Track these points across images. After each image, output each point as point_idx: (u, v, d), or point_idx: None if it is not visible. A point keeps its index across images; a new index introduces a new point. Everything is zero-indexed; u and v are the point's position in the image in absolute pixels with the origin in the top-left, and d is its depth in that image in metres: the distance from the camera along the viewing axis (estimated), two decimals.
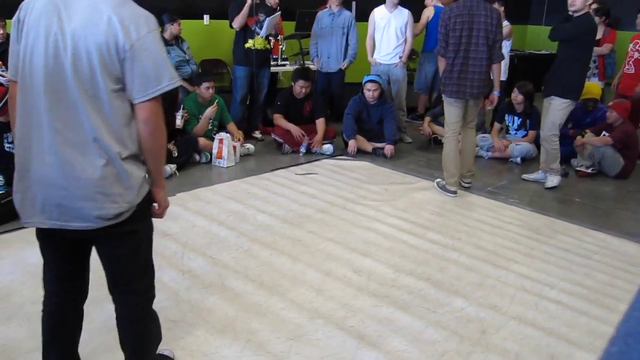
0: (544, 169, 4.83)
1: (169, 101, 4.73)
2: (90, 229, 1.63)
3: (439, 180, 4.64)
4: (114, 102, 1.57)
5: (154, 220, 1.86)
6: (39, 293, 2.70)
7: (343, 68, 6.09)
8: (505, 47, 6.30)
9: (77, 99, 1.55)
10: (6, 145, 3.76)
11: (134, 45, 1.53)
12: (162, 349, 2.17)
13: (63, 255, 1.80)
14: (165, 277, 2.90)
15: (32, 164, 1.62)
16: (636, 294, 0.51)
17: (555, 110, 4.52)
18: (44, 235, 1.75)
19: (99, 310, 2.60)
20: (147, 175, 1.71)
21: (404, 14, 5.79)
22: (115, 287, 1.85)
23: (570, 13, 4.36)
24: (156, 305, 2.65)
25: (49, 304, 1.89)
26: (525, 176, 4.99)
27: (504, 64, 6.30)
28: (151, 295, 1.92)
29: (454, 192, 4.45)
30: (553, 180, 4.75)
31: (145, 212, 1.76)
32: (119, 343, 1.96)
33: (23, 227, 3.38)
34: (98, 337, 2.39)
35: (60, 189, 1.59)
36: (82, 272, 1.88)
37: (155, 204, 1.79)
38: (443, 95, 4.47)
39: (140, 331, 1.92)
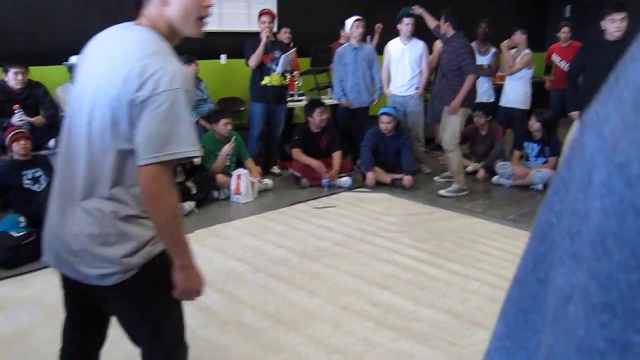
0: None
1: None
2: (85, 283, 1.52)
3: (449, 188, 5.25)
4: (121, 162, 1.44)
5: None
6: (57, 333, 2.72)
7: (375, 102, 6.10)
8: (527, 75, 6.31)
9: (82, 150, 1.47)
10: (25, 182, 3.83)
11: (146, 101, 1.37)
12: None
13: (74, 301, 1.73)
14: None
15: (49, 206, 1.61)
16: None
17: None
18: (61, 277, 1.68)
19: (115, 350, 2.58)
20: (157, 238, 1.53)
21: (419, 45, 5.82)
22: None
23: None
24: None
25: (64, 351, 1.83)
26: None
27: (524, 93, 6.29)
28: None
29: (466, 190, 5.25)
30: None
31: (153, 278, 1.54)
32: None
33: (45, 267, 3.46)
34: None
35: (55, 238, 1.55)
36: (96, 320, 1.77)
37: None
38: (463, 109, 5.09)
39: None
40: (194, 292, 1.57)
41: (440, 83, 5.25)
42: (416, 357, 2.54)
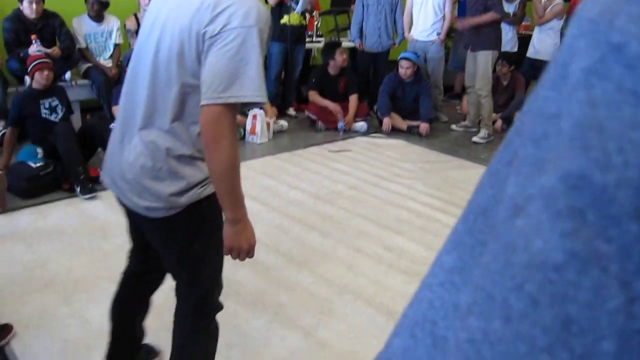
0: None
1: None
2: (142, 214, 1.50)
3: (481, 135, 5.33)
4: (184, 96, 1.39)
5: None
6: (75, 262, 2.78)
7: (396, 47, 5.97)
8: (557, 25, 6.09)
9: (147, 79, 1.42)
10: (42, 111, 3.82)
11: (216, 36, 1.29)
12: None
13: (132, 226, 1.71)
14: None
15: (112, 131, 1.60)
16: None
17: None
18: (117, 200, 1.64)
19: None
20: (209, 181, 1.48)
21: None
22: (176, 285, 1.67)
23: None
24: None
25: (125, 271, 1.87)
26: None
27: (554, 45, 6.09)
28: (205, 310, 1.64)
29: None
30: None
31: (197, 219, 1.50)
32: None
33: (63, 198, 3.50)
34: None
35: (113, 163, 1.53)
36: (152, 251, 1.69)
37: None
38: (490, 52, 5.13)
39: (182, 342, 1.67)
40: (243, 251, 1.46)
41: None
42: None
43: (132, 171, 1.45)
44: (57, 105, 3.89)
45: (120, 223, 3.19)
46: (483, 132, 5.32)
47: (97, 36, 5.06)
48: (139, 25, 5.23)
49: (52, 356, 2.10)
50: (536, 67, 6.17)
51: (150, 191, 1.44)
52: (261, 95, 1.33)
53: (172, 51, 1.36)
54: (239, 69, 1.29)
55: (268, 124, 5.01)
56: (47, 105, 3.83)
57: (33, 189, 3.56)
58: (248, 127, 4.96)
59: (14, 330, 2.20)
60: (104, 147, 3.76)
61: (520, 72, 5.99)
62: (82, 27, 4.99)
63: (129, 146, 1.46)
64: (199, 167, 1.45)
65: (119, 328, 1.85)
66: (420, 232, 3.27)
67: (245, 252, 1.47)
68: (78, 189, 3.58)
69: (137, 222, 1.59)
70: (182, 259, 1.57)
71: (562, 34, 6.15)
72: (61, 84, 4.56)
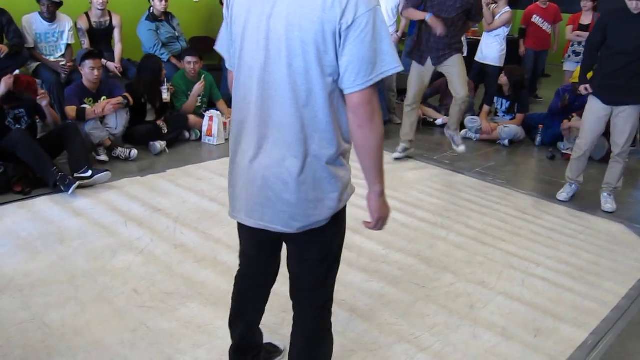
0: (608, 190, 4.16)
1: (152, 76, 4.70)
2: (287, 232, 1.54)
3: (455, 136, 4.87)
4: (329, 98, 1.41)
5: None
6: (30, 266, 2.73)
7: None
8: (503, 33, 6.28)
9: (286, 96, 1.41)
10: (7, 120, 3.73)
11: (350, 27, 1.33)
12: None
13: (260, 249, 1.74)
14: (157, 251, 2.92)
15: (237, 157, 1.55)
16: None
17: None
18: (246, 230, 1.67)
19: (93, 282, 2.61)
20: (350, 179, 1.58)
21: None
22: (295, 293, 1.74)
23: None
24: (149, 278, 2.68)
25: (240, 283, 1.88)
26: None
27: (500, 51, 6.25)
28: (329, 312, 1.76)
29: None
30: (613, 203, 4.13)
31: (342, 218, 1.63)
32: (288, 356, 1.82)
33: (15, 201, 3.41)
34: (90, 309, 2.40)
35: (261, 189, 1.50)
36: (274, 261, 1.81)
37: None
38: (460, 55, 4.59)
39: (309, 344, 1.77)
40: (387, 218, 1.64)
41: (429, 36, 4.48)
42: (387, 297, 2.66)
43: (291, 190, 1.47)
44: (23, 117, 3.79)
45: (76, 226, 3.15)
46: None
47: (49, 36, 4.92)
48: (90, 24, 5.13)
49: None
50: (484, 72, 6.39)
51: (313, 203, 1.49)
52: (400, 65, 1.41)
53: (309, 59, 1.37)
54: (377, 49, 1.37)
55: (225, 125, 5.00)
56: (12, 116, 3.73)
57: None
58: (205, 128, 4.93)
59: None
60: (73, 149, 3.73)
61: (469, 77, 6.20)
62: (33, 26, 4.84)
63: (284, 163, 1.46)
64: (346, 166, 1.56)
65: (245, 341, 1.92)
66: (378, 232, 3.35)
67: (386, 220, 1.64)
68: (62, 187, 3.53)
69: (271, 237, 1.61)
70: (321, 263, 1.64)
71: (508, 42, 6.40)
72: None
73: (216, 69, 5.89)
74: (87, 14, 5.15)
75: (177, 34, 5.63)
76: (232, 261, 2.87)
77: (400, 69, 1.41)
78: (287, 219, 1.51)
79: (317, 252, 1.61)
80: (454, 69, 4.49)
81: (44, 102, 3.85)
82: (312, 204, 1.49)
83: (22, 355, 2.09)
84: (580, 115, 5.36)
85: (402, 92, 6.56)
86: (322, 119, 1.43)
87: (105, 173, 3.76)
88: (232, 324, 1.90)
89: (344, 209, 1.62)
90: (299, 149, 1.44)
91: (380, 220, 1.63)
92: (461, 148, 4.86)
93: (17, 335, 2.20)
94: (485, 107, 5.86)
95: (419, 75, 4.62)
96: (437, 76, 6.16)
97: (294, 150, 1.44)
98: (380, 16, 1.38)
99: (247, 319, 1.89)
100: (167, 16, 5.55)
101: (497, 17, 6.30)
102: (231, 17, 1.51)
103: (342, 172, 1.53)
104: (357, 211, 3.58)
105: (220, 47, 1.62)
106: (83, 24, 5.10)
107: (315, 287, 1.68)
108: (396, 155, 4.84)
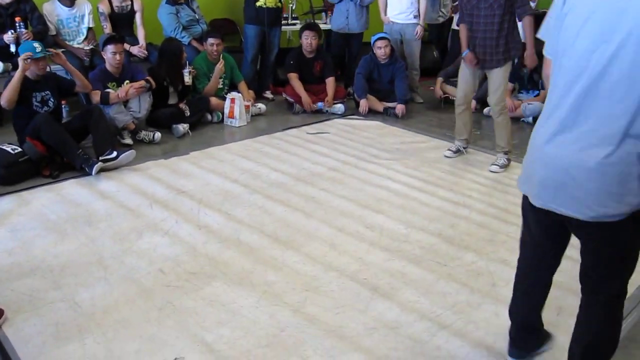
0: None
1: (174, 59, 4.73)
2: (581, 219, 1.60)
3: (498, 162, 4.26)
4: None
5: None
6: (60, 248, 2.81)
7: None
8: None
9: (611, 91, 1.49)
10: (34, 103, 3.80)
11: None
12: None
13: (548, 233, 1.83)
14: (182, 232, 2.98)
15: (537, 141, 1.66)
16: None
17: None
18: (535, 211, 1.75)
19: (120, 263, 2.68)
20: None
21: None
22: (584, 280, 1.79)
23: None
24: (175, 258, 2.75)
25: (522, 267, 2.02)
26: None
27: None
28: (621, 300, 1.77)
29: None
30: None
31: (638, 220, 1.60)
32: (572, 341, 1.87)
33: (43, 185, 3.50)
34: (118, 289, 2.47)
35: (560, 172, 1.59)
36: (561, 250, 1.88)
37: None
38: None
39: (592, 329, 1.82)
40: None
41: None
42: (408, 275, 2.67)
43: (594, 179, 1.53)
44: (49, 98, 3.86)
45: (102, 208, 3.23)
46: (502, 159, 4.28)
47: (70, 21, 4.98)
48: (112, 8, 5.17)
49: (45, 339, 2.13)
50: None
51: (614, 197, 1.53)
52: None
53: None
54: None
55: (247, 107, 5.02)
56: (39, 99, 3.81)
57: (12, 175, 3.54)
58: (226, 110, 4.97)
59: (5, 314, 2.23)
60: (97, 132, 3.80)
61: None
62: (54, 12, 4.90)
63: (592, 153, 1.52)
64: None
65: (528, 319, 2.06)
66: (400, 211, 3.37)
67: None
68: (86, 169, 3.63)
69: (566, 225, 1.69)
70: (616, 256, 1.68)
71: (535, 17, 6.23)
72: None
73: (237, 51, 5.91)
74: None
75: (197, 17, 5.64)
76: (255, 241, 2.92)
77: None
78: (579, 204, 1.58)
79: (612, 246, 1.65)
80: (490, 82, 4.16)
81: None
82: (610, 196, 1.53)
83: (54, 332, 2.17)
84: None
85: (424, 71, 6.50)
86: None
87: (130, 152, 3.84)
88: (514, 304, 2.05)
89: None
90: (612, 140, 1.50)
91: None
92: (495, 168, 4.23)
93: (50, 313, 2.28)
94: (509, 85, 5.76)
95: (471, 75, 4.19)
96: (460, 53, 6.09)
97: (605, 141, 1.51)
98: None
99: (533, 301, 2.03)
100: None
101: None
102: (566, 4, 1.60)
103: None
104: (380, 192, 3.62)
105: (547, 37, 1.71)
106: (105, 8, 5.14)
107: (604, 278, 1.73)
108: (447, 153, 4.45)
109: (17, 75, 3.64)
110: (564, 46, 1.60)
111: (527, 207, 1.80)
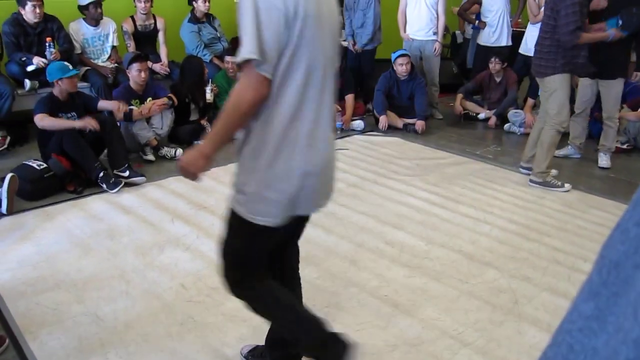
0: (603, 150, 4.72)
1: (195, 76, 4.81)
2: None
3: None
4: None
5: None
6: (83, 262, 2.84)
7: (354, 49, 6.02)
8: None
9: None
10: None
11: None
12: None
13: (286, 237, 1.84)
14: (203, 247, 3.00)
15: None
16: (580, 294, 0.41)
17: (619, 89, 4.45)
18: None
19: (142, 277, 2.71)
20: None
21: None
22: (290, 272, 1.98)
23: None
24: (196, 273, 2.76)
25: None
26: (555, 152, 4.82)
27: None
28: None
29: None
30: (608, 159, 4.71)
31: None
32: None
33: (68, 200, 3.56)
34: (140, 303, 2.49)
35: (329, 169, 1.74)
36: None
37: None
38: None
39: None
40: (190, 173, 1.65)
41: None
42: (429, 292, 2.65)
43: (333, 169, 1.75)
44: (75, 119, 3.95)
45: (125, 223, 3.27)
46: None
47: (95, 39, 5.10)
48: (135, 27, 5.29)
49: (69, 353, 2.15)
50: (528, 64, 6.22)
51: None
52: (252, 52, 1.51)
53: None
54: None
55: None
56: (64, 119, 3.90)
57: (37, 190, 3.61)
58: None
59: (7, 342, 2.21)
60: (111, 144, 3.87)
61: (513, 69, 6.08)
62: (80, 31, 5.03)
63: (332, 145, 1.70)
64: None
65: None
66: (420, 227, 3.35)
67: (193, 175, 1.68)
68: (104, 186, 3.70)
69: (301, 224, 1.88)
70: None
71: None
72: None
73: None
74: (132, 17, 5.31)
75: (218, 35, 5.73)
76: None
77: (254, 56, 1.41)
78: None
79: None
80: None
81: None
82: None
83: (78, 346, 2.20)
84: (630, 106, 5.20)
85: (443, 87, 6.50)
86: None
87: (140, 177, 3.88)
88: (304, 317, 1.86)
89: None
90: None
91: (182, 165, 1.65)
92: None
93: (73, 327, 2.31)
94: (530, 100, 5.75)
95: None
96: (480, 69, 6.09)
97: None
98: (245, 3, 1.43)
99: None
100: (208, 17, 5.66)
101: (542, 9, 6.13)
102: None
103: None
104: (400, 208, 3.61)
105: None
106: (128, 27, 5.25)
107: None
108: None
109: (70, 124, 3.79)
110: None
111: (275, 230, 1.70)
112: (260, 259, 1.75)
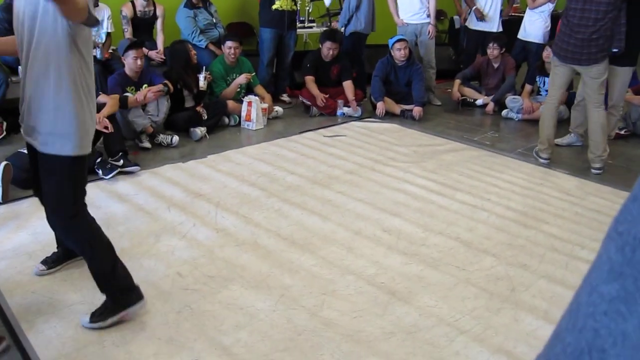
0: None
1: (182, 61, 4.74)
2: None
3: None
4: None
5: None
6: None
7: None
8: (548, 9, 6.06)
9: None
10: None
11: None
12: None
13: None
14: (199, 235, 2.99)
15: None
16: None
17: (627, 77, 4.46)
18: None
19: (138, 266, 2.70)
20: None
21: None
22: None
23: None
24: (192, 261, 2.76)
25: None
26: (558, 141, 4.82)
27: (544, 28, 6.04)
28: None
29: (544, 159, 4.42)
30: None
31: None
32: None
33: None
34: None
35: None
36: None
37: None
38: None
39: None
40: None
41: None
42: (426, 279, 2.65)
43: None
44: None
45: (121, 211, 3.25)
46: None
47: None
48: (135, 12, 5.23)
49: (65, 341, 2.15)
50: (527, 50, 6.21)
51: None
52: None
53: None
54: None
55: (264, 110, 5.04)
56: None
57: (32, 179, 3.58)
58: (243, 113, 4.99)
59: (6, 340, 2.17)
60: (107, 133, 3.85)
61: (512, 55, 6.05)
62: None
63: None
64: None
65: None
66: (417, 214, 3.35)
67: None
68: (100, 172, 3.68)
69: None
70: None
71: (552, 18, 6.18)
72: None
73: (253, 54, 5.93)
74: (132, 2, 5.24)
75: (214, 21, 5.68)
76: (271, 244, 2.92)
77: None
78: None
79: None
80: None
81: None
82: None
83: (74, 334, 2.19)
84: (635, 91, 5.18)
85: (440, 72, 6.46)
86: None
87: (134, 167, 3.86)
88: None
89: None
90: None
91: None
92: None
93: (69, 315, 2.30)
94: (527, 86, 5.72)
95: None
96: (472, 53, 6.07)
97: None
98: None
99: None
100: (204, 3, 5.60)
101: None
102: None
103: None
104: (397, 195, 3.60)
105: None
106: (128, 11, 5.20)
107: None
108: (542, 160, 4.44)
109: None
110: None
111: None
112: None
